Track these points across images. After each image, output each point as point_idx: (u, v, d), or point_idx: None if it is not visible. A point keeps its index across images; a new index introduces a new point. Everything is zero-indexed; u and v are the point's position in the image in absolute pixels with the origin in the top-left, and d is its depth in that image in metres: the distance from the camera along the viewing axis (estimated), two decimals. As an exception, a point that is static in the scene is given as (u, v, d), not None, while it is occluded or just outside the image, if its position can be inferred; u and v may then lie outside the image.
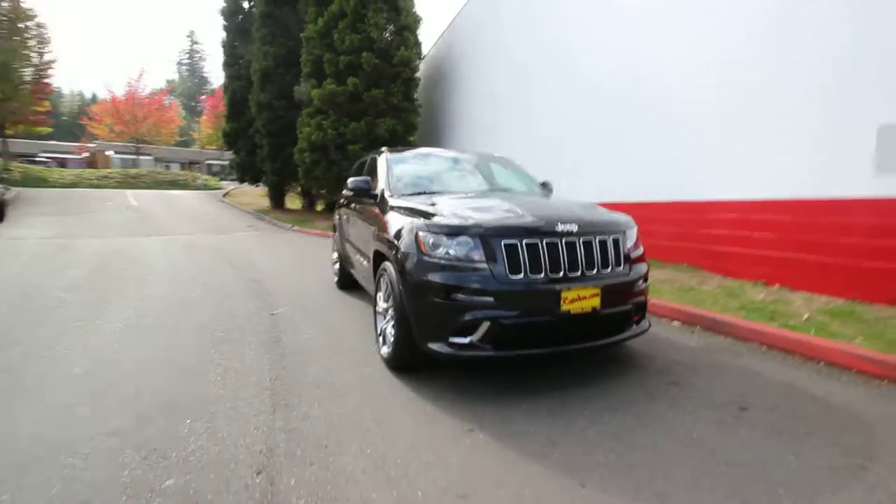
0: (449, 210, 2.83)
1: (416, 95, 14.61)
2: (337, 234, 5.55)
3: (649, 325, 3.03)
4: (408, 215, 2.94)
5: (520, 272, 2.52)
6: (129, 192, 22.86)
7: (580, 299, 2.55)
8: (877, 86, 3.98)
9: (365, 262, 3.79)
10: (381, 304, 3.17)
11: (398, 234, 2.83)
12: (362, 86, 13.20)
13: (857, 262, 4.10)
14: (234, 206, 20.09)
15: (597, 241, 2.71)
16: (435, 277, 2.54)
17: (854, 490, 1.76)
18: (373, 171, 4.21)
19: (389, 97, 13.50)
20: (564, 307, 2.52)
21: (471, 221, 2.62)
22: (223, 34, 19.39)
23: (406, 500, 1.74)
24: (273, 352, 3.36)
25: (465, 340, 2.51)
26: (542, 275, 2.54)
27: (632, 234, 2.99)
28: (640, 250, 3.04)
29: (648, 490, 1.77)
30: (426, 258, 2.59)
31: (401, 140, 14.31)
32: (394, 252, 2.81)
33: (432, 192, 3.63)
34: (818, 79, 4.42)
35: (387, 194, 3.60)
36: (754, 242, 4.99)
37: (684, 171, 5.84)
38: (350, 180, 3.94)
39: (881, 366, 2.78)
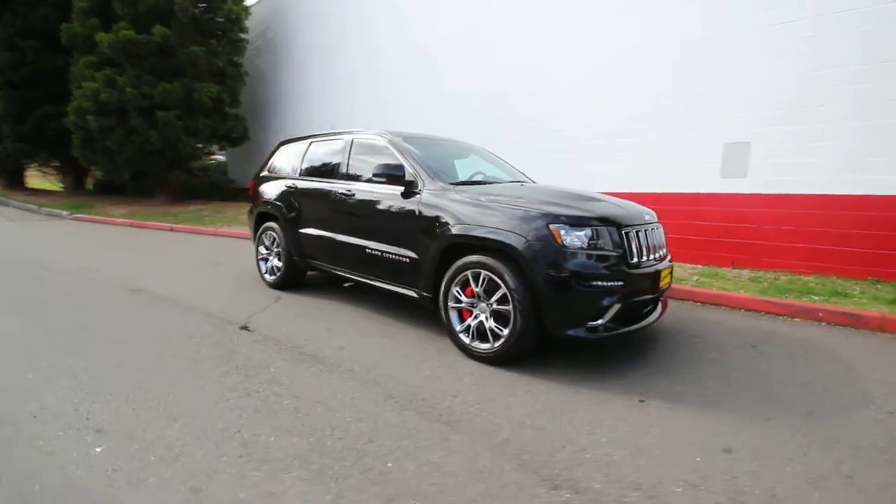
0: (554, 202, 2.94)
1: (241, 60, 12.63)
2: (278, 226, 4.66)
3: (663, 296, 3.78)
4: (512, 206, 2.88)
5: (634, 257, 2.86)
6: None
7: (665, 277, 3.07)
8: (720, 118, 5.72)
9: (401, 258, 3.42)
10: (464, 299, 3.03)
11: (520, 228, 2.77)
12: (175, 38, 10.67)
13: (709, 238, 5.87)
14: (-71, 185, 13.56)
15: (658, 228, 3.26)
16: (577, 268, 2.65)
17: (865, 381, 2.79)
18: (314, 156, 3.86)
19: (213, 58, 11.32)
20: (661, 284, 2.99)
21: (592, 213, 2.81)
22: None
23: (692, 464, 1.92)
24: (335, 372, 2.81)
25: (598, 323, 2.72)
26: (646, 258, 2.95)
27: (654, 222, 3.65)
28: (656, 235, 3.74)
29: (797, 410, 2.41)
30: (565, 250, 2.66)
31: (224, 112, 12.21)
32: (516, 245, 2.74)
33: (471, 181, 3.56)
34: (680, 109, 6.02)
35: (430, 183, 3.35)
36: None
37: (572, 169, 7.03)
38: (377, 165, 3.46)
39: (778, 306, 4.21)
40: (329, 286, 4.89)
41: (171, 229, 9.26)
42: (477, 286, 2.95)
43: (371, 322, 3.76)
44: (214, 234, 8.84)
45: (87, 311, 3.89)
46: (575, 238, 2.69)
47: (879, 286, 4.62)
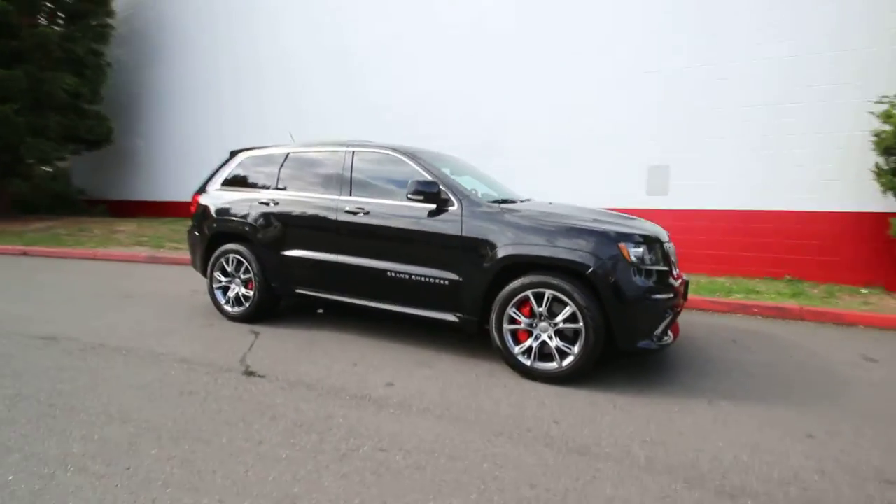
0: (606, 220, 3.06)
1: (104, 49, 10.53)
2: (247, 249, 3.97)
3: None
4: (576, 226, 2.92)
5: (672, 272, 3.12)
6: None
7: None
8: (646, 144, 6.58)
9: (438, 281, 3.19)
10: (523, 320, 2.96)
11: (592, 247, 2.81)
12: (16, 15, 8.45)
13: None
14: None
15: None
16: (644, 283, 2.80)
17: (832, 361, 3.46)
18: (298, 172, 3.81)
19: (70, 43, 9.22)
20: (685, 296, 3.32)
21: (644, 231, 3.00)
22: None
23: (803, 452, 2.17)
24: (412, 414, 2.51)
25: (657, 333, 2.91)
26: (675, 272, 3.24)
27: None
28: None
29: (817, 392, 2.88)
30: (634, 266, 2.79)
31: (81, 109, 10.03)
32: (590, 264, 2.77)
33: (501, 200, 3.49)
34: (609, 135, 6.77)
35: (466, 202, 3.22)
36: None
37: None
38: (414, 182, 3.17)
39: (721, 304, 4.97)
40: (298, 314, 4.33)
41: (24, 253, 7.22)
42: (540, 306, 2.92)
43: (392, 352, 3.44)
44: (93, 258, 7.15)
45: (4, 375, 2.83)
46: (639, 255, 2.84)
47: (775, 283, 5.77)
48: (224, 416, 2.39)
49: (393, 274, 3.38)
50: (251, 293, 4.00)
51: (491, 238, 3.06)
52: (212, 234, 4.22)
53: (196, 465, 1.95)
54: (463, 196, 3.26)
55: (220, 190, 4.31)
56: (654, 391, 2.86)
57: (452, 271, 3.19)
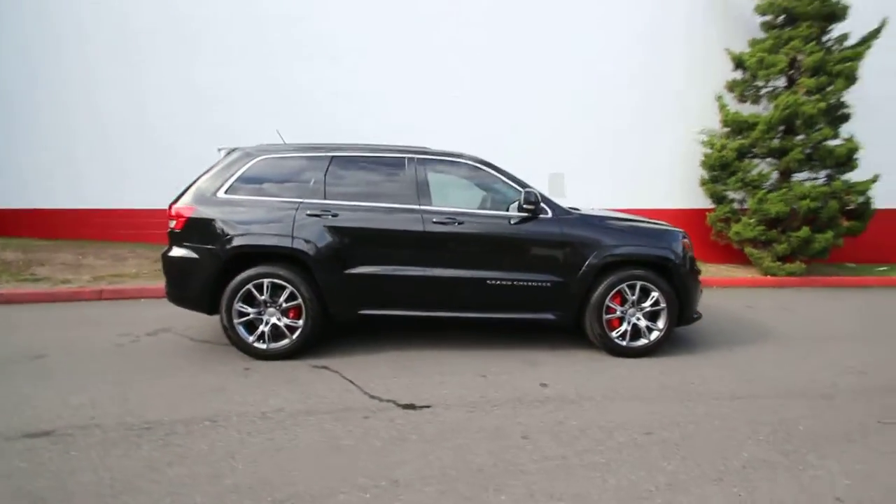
0: (654, 221, 3.87)
1: None
2: (290, 272, 3.31)
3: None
4: (652, 227, 3.64)
5: (690, 258, 4.15)
6: None
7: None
8: (546, 154, 7.80)
9: (541, 284, 3.44)
10: (617, 309, 3.51)
11: (671, 244, 3.55)
12: None
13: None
14: None
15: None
16: (697, 267, 3.72)
17: (733, 307, 5.12)
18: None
19: None
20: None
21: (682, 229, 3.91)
22: None
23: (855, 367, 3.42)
24: (639, 401, 2.80)
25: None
26: (682, 258, 4.30)
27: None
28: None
29: (762, 336, 4.34)
30: (691, 257, 3.66)
31: None
32: (673, 258, 3.51)
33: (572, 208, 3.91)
34: (494, 146, 7.77)
35: (557, 208, 3.59)
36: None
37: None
38: (530, 192, 3.35)
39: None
40: (333, 340, 3.84)
41: None
42: (632, 295, 3.52)
43: (491, 358, 3.51)
44: None
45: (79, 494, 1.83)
46: (689, 246, 3.75)
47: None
48: (490, 447, 2.25)
49: (494, 282, 3.47)
50: (298, 323, 3.37)
51: (590, 241, 3.51)
52: (229, 257, 3.33)
53: (560, 490, 1.88)
54: (554, 205, 3.60)
55: (228, 199, 3.42)
56: (696, 349, 3.82)
57: (555, 273, 3.51)
